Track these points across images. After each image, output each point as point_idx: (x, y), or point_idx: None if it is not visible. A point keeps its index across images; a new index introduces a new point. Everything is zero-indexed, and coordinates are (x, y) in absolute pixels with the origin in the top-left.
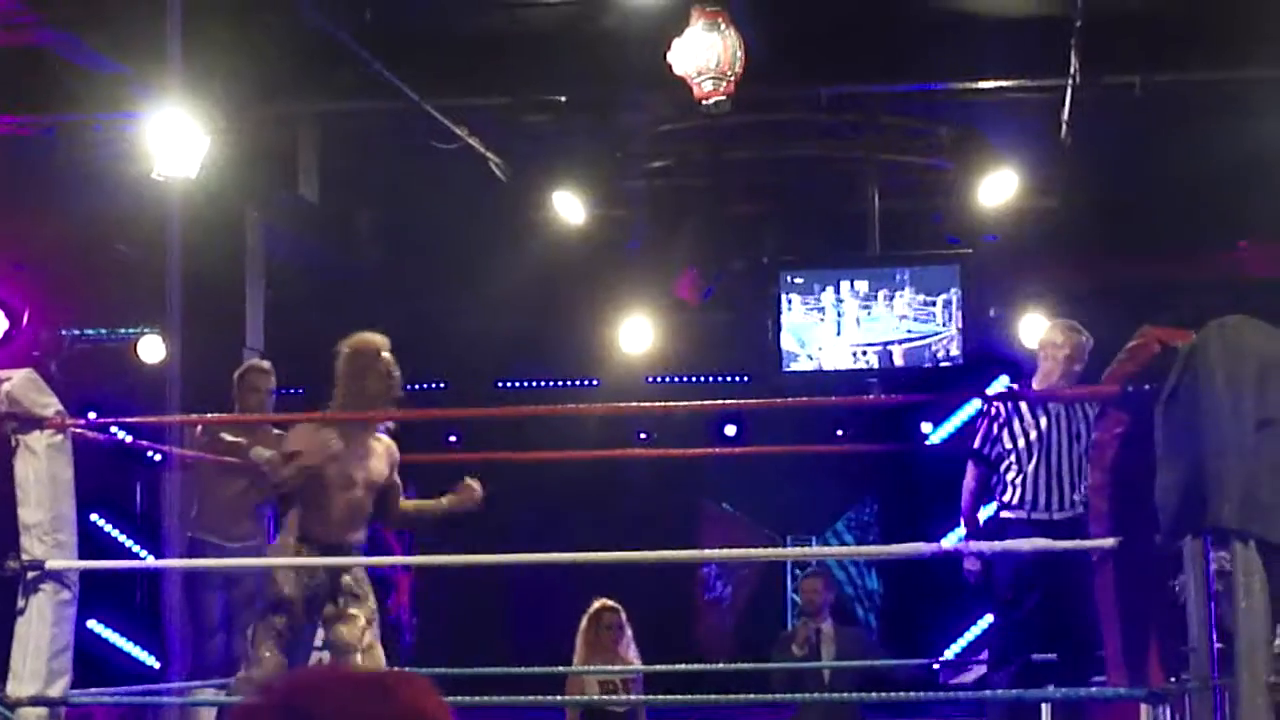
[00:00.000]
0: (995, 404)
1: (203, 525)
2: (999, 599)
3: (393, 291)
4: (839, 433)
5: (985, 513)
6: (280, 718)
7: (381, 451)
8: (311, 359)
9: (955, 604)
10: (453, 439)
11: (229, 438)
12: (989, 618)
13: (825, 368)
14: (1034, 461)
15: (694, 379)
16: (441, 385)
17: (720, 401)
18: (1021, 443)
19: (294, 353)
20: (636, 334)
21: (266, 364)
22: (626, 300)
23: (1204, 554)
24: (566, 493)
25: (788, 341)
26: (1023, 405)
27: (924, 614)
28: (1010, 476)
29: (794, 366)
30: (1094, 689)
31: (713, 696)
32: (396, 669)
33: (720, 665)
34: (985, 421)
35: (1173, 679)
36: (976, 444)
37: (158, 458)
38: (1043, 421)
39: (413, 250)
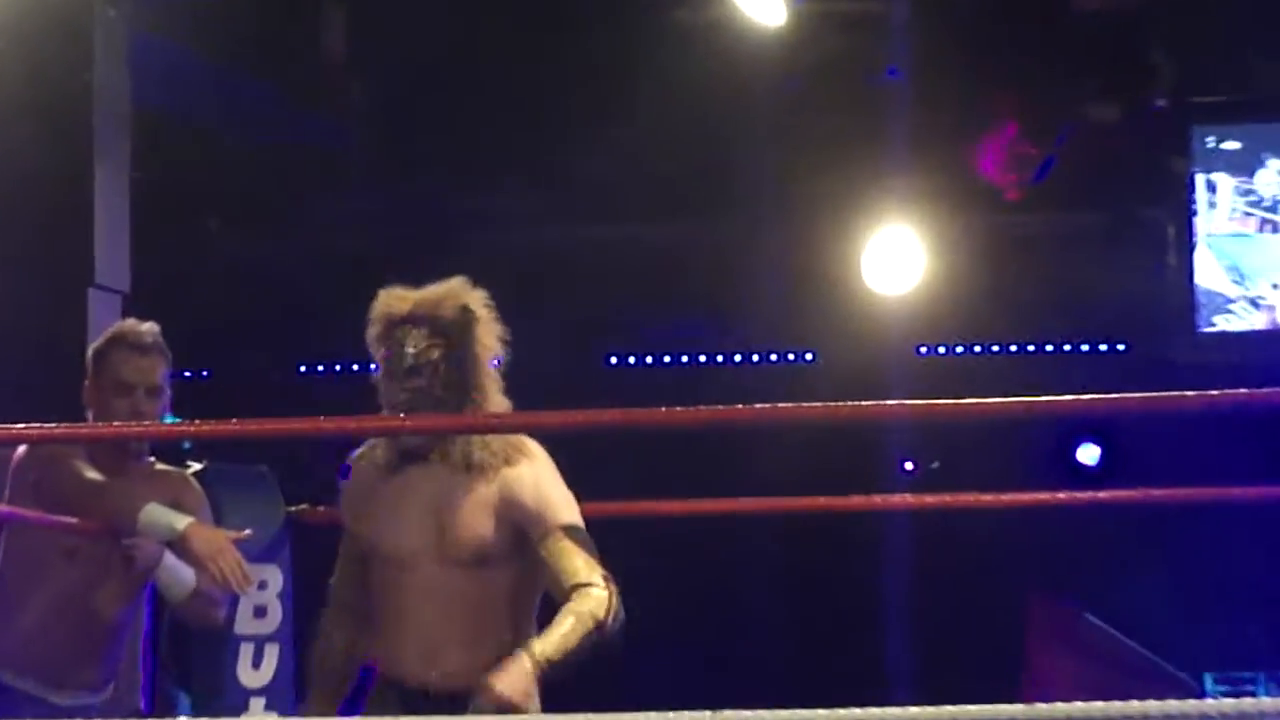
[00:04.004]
0: None
1: (8, 656)
2: None
3: (395, 170)
4: None
5: None
6: None
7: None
8: (224, 304)
9: None
10: None
11: (90, 475)
12: None
13: None
14: None
15: (1012, 348)
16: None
17: (1067, 398)
18: None
19: (187, 296)
20: (894, 258)
21: (148, 329)
22: (873, 189)
23: None
24: (757, 571)
25: (1207, 271)
26: None
27: None
28: None
29: (1222, 323)
30: None
31: None
32: None
33: None
34: None
35: None
36: None
37: None
38: None
39: (441, 85)
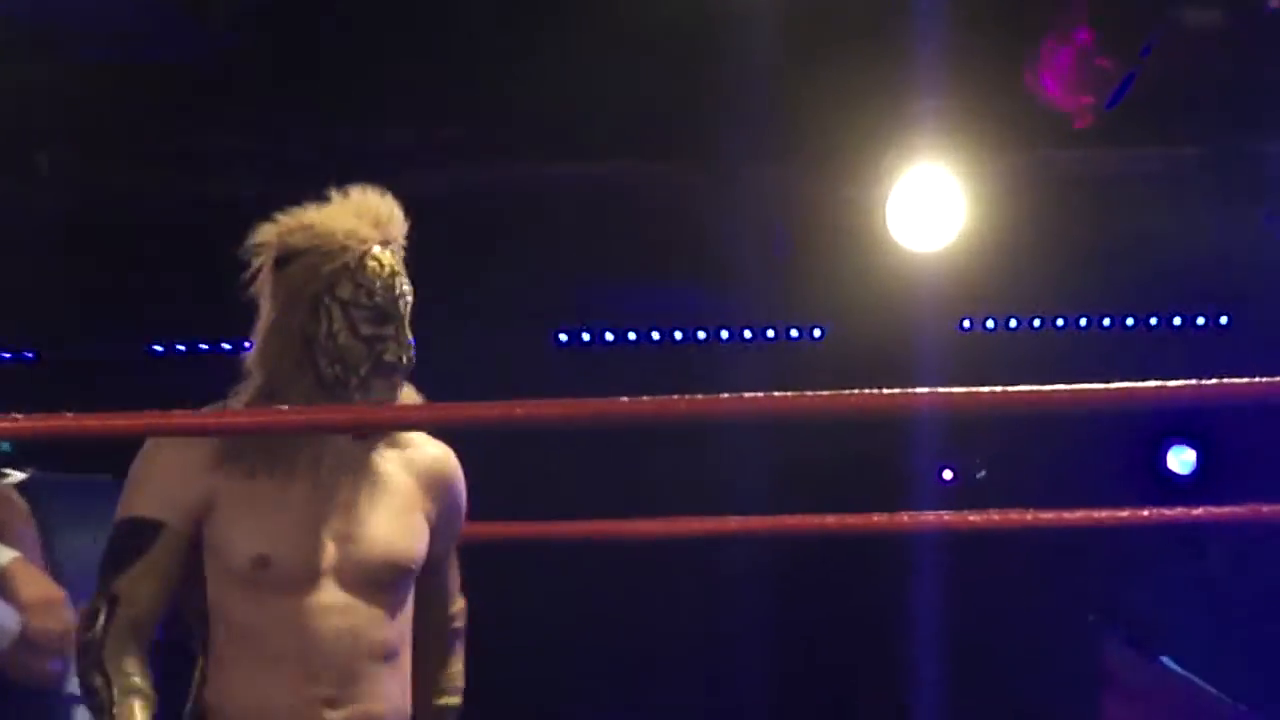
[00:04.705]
0: None
1: None
2: None
3: (286, 95)
4: None
5: None
6: None
7: None
8: (55, 266)
9: None
10: None
11: None
12: None
13: None
14: None
15: (1081, 322)
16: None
17: (1152, 384)
18: None
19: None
20: (927, 206)
21: None
22: (900, 118)
23: None
24: (751, 606)
25: None
26: None
27: None
28: None
29: None
30: None
31: None
32: None
33: None
34: None
35: None
36: None
37: None
38: None
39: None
